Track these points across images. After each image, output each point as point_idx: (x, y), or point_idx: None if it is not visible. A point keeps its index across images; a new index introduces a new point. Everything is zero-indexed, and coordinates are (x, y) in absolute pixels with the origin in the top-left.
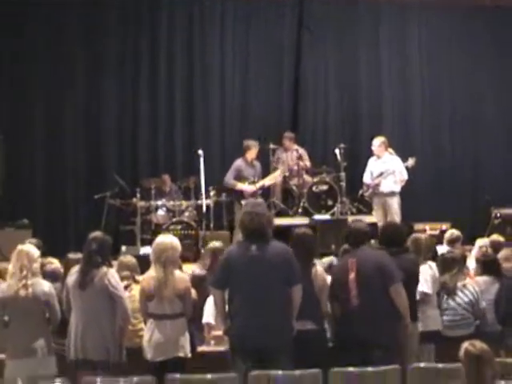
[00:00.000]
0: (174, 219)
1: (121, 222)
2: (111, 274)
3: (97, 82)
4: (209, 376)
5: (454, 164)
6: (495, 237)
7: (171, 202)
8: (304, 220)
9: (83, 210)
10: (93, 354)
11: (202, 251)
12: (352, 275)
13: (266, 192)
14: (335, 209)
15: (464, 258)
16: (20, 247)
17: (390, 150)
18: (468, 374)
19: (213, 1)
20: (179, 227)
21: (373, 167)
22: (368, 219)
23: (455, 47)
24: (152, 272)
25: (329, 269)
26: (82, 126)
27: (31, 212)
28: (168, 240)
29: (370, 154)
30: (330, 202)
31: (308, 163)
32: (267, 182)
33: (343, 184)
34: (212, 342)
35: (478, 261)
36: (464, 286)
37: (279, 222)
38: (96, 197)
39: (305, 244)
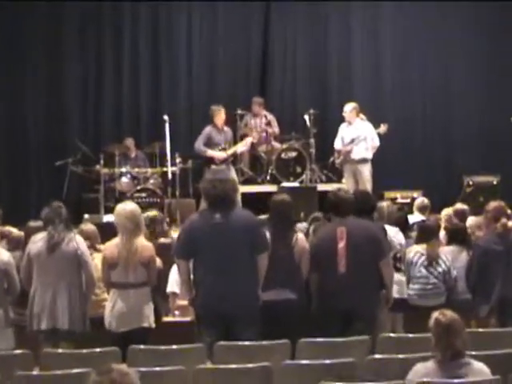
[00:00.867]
0: (139, 187)
1: (84, 189)
2: (79, 239)
3: (59, 43)
4: (174, 347)
5: (425, 130)
6: (459, 206)
7: (136, 169)
8: (272, 187)
9: (45, 178)
10: (62, 323)
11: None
12: (342, 244)
13: (233, 159)
14: (304, 176)
15: (439, 227)
16: None
17: (362, 115)
18: (438, 344)
19: None
20: (144, 195)
21: (344, 133)
22: (337, 187)
23: (428, 6)
24: (116, 239)
25: (306, 235)
26: (44, 90)
27: None
28: (128, 207)
29: (341, 120)
30: (298, 170)
31: (277, 129)
32: (239, 148)
33: (312, 151)
34: (177, 312)
35: (445, 229)
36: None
37: (247, 189)
38: (57, 163)
39: (285, 210)
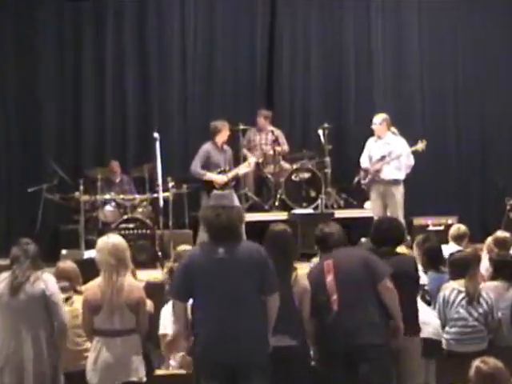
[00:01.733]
0: (126, 216)
1: (61, 220)
2: (47, 277)
3: (32, 47)
4: None
5: (460, 146)
6: (500, 233)
7: (122, 196)
8: (282, 215)
9: (15, 206)
10: (27, 380)
11: (159, 254)
12: (330, 277)
13: (236, 182)
14: (319, 201)
15: (478, 259)
16: None
17: (394, 129)
18: None
19: None
20: (131, 226)
21: (372, 149)
22: (359, 213)
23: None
24: (99, 279)
25: None
26: (16, 104)
27: None
28: (112, 240)
29: (362, 133)
30: (312, 193)
31: (286, 147)
32: (241, 170)
33: (328, 171)
34: (172, 362)
35: (490, 261)
36: None
37: (252, 217)
38: (30, 190)
39: (282, 244)
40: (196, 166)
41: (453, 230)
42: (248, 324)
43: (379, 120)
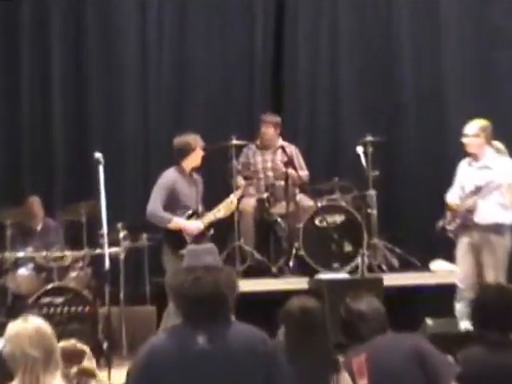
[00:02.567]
0: (51, 285)
1: None
2: None
3: None
4: None
5: None
6: None
7: (44, 253)
8: (299, 282)
9: None
10: None
11: (104, 345)
12: (362, 383)
13: (224, 229)
14: (359, 260)
15: None
16: None
17: (498, 143)
18: None
19: None
20: (60, 300)
21: (465, 177)
22: (423, 279)
23: None
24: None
25: None
26: None
27: None
28: (32, 326)
29: (428, 151)
30: (348, 248)
31: (305, 173)
32: (221, 213)
33: (373, 212)
34: None
35: None
36: None
37: (251, 286)
38: None
39: (311, 328)
40: (156, 207)
41: None
42: None
43: (474, 129)
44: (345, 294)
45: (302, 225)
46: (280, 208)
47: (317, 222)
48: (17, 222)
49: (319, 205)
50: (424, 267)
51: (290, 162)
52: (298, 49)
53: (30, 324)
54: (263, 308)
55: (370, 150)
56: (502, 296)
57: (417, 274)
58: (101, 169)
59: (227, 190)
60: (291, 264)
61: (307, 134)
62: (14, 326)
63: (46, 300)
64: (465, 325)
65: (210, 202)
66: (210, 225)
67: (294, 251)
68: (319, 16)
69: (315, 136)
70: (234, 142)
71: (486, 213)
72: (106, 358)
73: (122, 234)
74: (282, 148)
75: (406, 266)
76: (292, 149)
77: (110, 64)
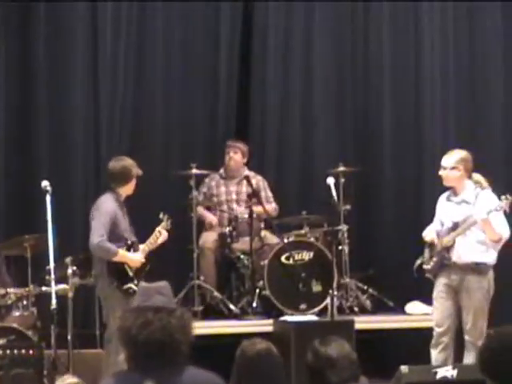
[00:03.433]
0: None
1: None
2: None
3: None
4: None
5: None
6: None
7: None
8: (263, 324)
9: None
10: None
11: None
12: None
13: (182, 265)
14: (328, 301)
15: None
16: None
17: (478, 176)
18: None
19: None
20: (2, 343)
21: (444, 213)
22: (398, 322)
23: None
24: None
25: None
26: None
27: None
28: None
29: (404, 182)
30: (316, 287)
31: (272, 206)
32: (148, 245)
33: (345, 249)
34: None
35: None
36: None
37: (210, 329)
38: None
39: (264, 375)
40: (102, 238)
41: None
42: None
43: (452, 161)
44: (313, 337)
45: (267, 262)
46: (243, 244)
47: (283, 259)
48: None
49: (286, 240)
50: (399, 309)
51: (255, 194)
52: (266, 72)
53: None
54: (223, 352)
55: (342, 180)
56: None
57: (391, 316)
58: (48, 198)
59: (187, 223)
60: (255, 304)
61: (274, 164)
62: None
63: None
64: (442, 373)
65: (170, 236)
66: (146, 258)
67: (257, 291)
68: (290, 37)
69: (283, 166)
70: (195, 171)
71: (465, 251)
72: None
73: (70, 270)
74: (247, 178)
75: (379, 308)
76: (259, 180)
77: (57, 84)
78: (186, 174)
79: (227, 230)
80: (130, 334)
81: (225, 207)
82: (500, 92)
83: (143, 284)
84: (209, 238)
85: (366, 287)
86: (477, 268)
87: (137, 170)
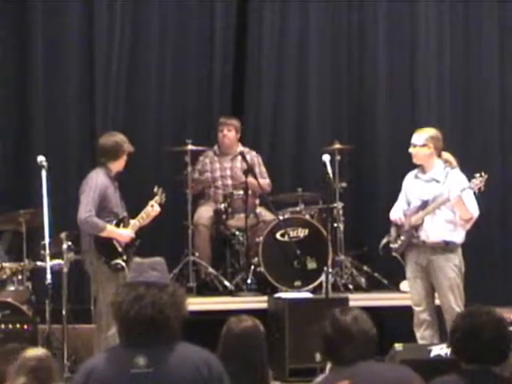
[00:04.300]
0: None
1: None
2: None
3: None
4: None
5: None
6: None
7: None
8: (258, 301)
9: None
10: None
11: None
12: None
13: (177, 242)
14: (322, 278)
15: None
16: None
17: (448, 156)
18: None
19: None
20: None
21: (411, 191)
22: (392, 300)
23: None
24: None
25: None
26: None
27: None
28: None
29: (401, 159)
30: (311, 264)
31: (266, 182)
32: (140, 220)
33: (340, 226)
34: None
35: None
36: None
37: (204, 305)
38: None
39: (248, 352)
40: (90, 213)
41: None
42: None
43: (423, 139)
44: (307, 314)
45: (262, 239)
46: (238, 220)
47: (278, 236)
48: None
49: (281, 217)
50: (393, 287)
51: (250, 170)
52: (262, 45)
53: None
54: (218, 328)
55: (338, 158)
56: (496, 326)
57: (385, 294)
58: (44, 173)
59: (181, 199)
60: (249, 281)
61: (269, 140)
62: None
63: None
64: (437, 351)
65: (162, 214)
66: (137, 233)
67: (252, 267)
68: (286, 12)
69: (278, 142)
70: (190, 147)
71: (434, 231)
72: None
73: (65, 245)
74: (242, 154)
75: (374, 286)
76: (253, 155)
77: (54, 59)
78: (182, 150)
79: (222, 206)
80: (121, 309)
81: (219, 183)
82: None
83: (137, 259)
84: (204, 215)
85: (360, 265)
86: (446, 247)
87: (128, 146)
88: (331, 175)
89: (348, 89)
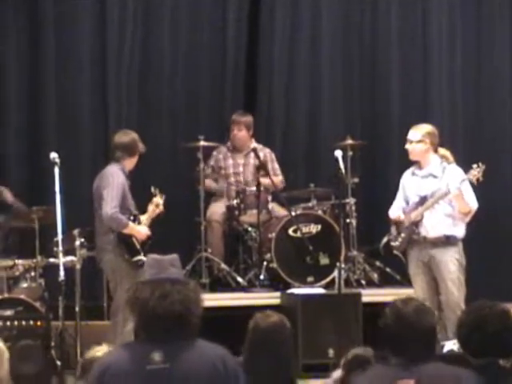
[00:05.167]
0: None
1: None
2: None
3: None
4: None
5: None
6: None
7: None
8: (270, 297)
9: None
10: None
11: (58, 363)
12: None
13: (190, 238)
14: (335, 273)
15: None
16: None
17: (444, 151)
18: None
19: None
20: (8, 313)
21: (409, 188)
22: (406, 295)
23: None
24: None
25: None
26: None
27: None
28: None
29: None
30: (324, 260)
31: (279, 179)
32: (148, 219)
33: (352, 222)
34: None
35: None
36: None
37: (218, 300)
38: None
39: (276, 349)
40: (115, 208)
41: None
42: None
43: (418, 135)
44: (320, 310)
45: (275, 235)
46: (251, 216)
47: (291, 231)
48: None
49: (293, 213)
50: (406, 283)
51: (262, 167)
52: (274, 41)
53: None
54: (231, 324)
55: (350, 154)
56: (500, 318)
57: (398, 289)
58: (56, 170)
59: (195, 195)
60: (262, 277)
61: (282, 135)
62: None
63: None
64: (449, 346)
65: (175, 210)
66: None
67: (265, 263)
68: (298, 6)
69: (291, 137)
70: (203, 143)
71: (433, 225)
72: (58, 378)
73: (78, 242)
74: (254, 151)
75: (386, 281)
76: (266, 152)
77: (66, 54)
78: (194, 146)
79: (235, 202)
80: (147, 306)
81: (232, 180)
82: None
83: (153, 256)
84: (216, 211)
85: (373, 260)
86: (447, 241)
87: (142, 146)
88: (343, 171)
89: (360, 84)
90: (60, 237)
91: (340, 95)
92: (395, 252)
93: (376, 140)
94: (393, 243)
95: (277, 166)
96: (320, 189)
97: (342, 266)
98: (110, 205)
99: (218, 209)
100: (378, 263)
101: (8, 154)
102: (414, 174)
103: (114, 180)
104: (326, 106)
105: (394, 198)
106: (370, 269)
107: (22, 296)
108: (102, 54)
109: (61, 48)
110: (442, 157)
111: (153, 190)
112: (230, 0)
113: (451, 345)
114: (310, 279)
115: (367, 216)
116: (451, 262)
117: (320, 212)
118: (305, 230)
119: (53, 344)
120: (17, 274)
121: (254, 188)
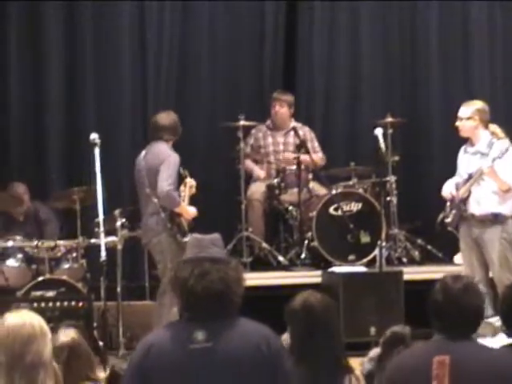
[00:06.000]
0: (41, 278)
1: None
2: None
3: None
4: None
5: None
6: None
7: (35, 242)
8: (311, 275)
9: None
10: None
11: (100, 343)
12: None
13: (231, 217)
14: (377, 252)
15: None
16: None
17: (495, 127)
18: None
19: None
20: (51, 294)
21: (461, 165)
22: (447, 273)
23: None
24: None
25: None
26: None
27: None
28: (19, 322)
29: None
30: (365, 239)
31: (319, 156)
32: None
33: (393, 200)
34: None
35: None
36: None
37: (259, 279)
38: None
39: (322, 328)
40: (172, 186)
41: None
42: None
43: (468, 112)
44: (361, 288)
45: (316, 213)
46: (291, 195)
47: (331, 210)
48: (1, 209)
49: (334, 192)
50: (447, 260)
51: (302, 145)
52: (313, 22)
53: (16, 319)
54: (272, 303)
55: (390, 131)
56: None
57: (440, 267)
58: (97, 151)
59: (235, 174)
60: (303, 256)
61: (322, 115)
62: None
63: (37, 294)
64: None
65: (215, 190)
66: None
67: (306, 242)
68: None
69: (330, 117)
70: (243, 122)
71: (480, 202)
72: (101, 358)
73: (119, 223)
74: (295, 130)
75: (428, 259)
76: (306, 131)
77: (105, 40)
78: (234, 126)
79: (275, 181)
80: (187, 285)
81: (272, 158)
82: None
83: (196, 235)
84: (257, 190)
85: (414, 238)
86: (494, 220)
87: (175, 124)
88: (384, 149)
89: (401, 62)
90: (101, 217)
91: (380, 72)
92: (449, 228)
93: (416, 118)
94: (446, 220)
95: (316, 143)
96: (360, 167)
97: (383, 244)
98: (166, 181)
99: (258, 188)
100: (419, 241)
101: (49, 137)
102: (465, 151)
103: (170, 158)
104: (365, 83)
105: (434, 175)
106: (411, 247)
107: (64, 277)
108: (141, 35)
109: (100, 29)
110: (493, 133)
111: (182, 171)
112: None
113: (495, 321)
114: (351, 257)
115: (408, 194)
116: (498, 242)
117: (361, 190)
118: (345, 208)
119: (95, 324)
120: (58, 255)
121: (295, 167)
